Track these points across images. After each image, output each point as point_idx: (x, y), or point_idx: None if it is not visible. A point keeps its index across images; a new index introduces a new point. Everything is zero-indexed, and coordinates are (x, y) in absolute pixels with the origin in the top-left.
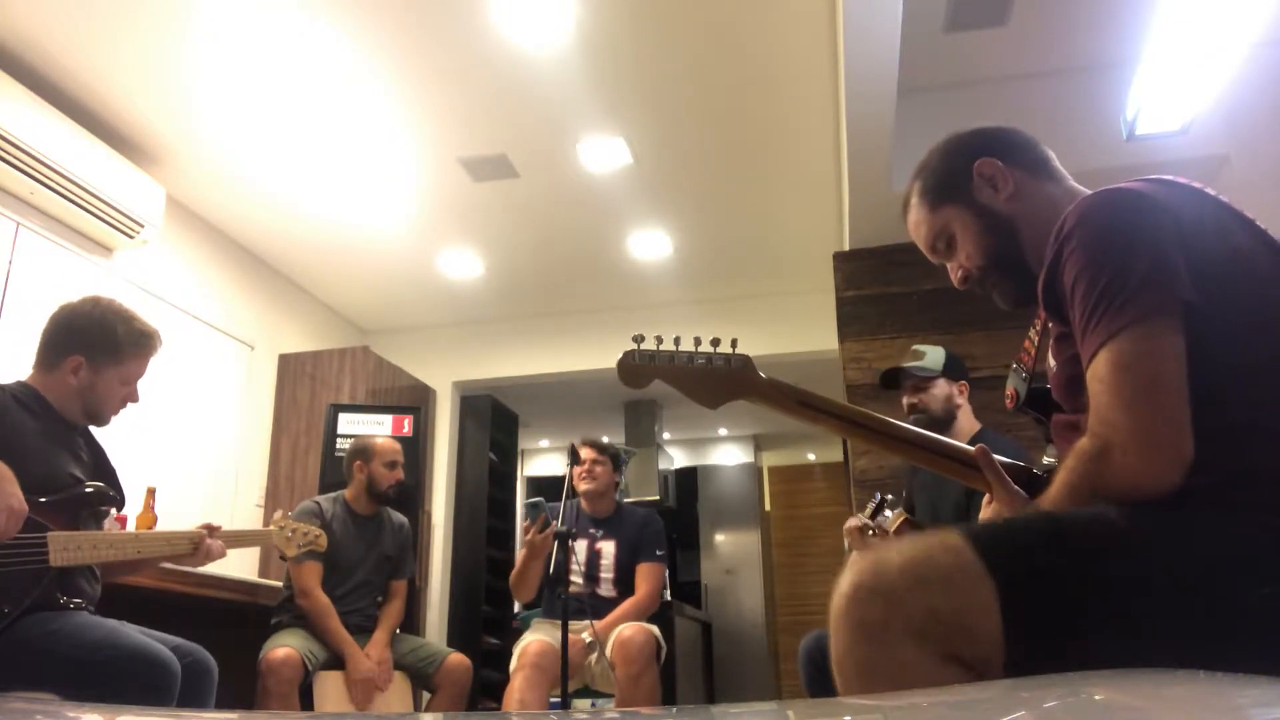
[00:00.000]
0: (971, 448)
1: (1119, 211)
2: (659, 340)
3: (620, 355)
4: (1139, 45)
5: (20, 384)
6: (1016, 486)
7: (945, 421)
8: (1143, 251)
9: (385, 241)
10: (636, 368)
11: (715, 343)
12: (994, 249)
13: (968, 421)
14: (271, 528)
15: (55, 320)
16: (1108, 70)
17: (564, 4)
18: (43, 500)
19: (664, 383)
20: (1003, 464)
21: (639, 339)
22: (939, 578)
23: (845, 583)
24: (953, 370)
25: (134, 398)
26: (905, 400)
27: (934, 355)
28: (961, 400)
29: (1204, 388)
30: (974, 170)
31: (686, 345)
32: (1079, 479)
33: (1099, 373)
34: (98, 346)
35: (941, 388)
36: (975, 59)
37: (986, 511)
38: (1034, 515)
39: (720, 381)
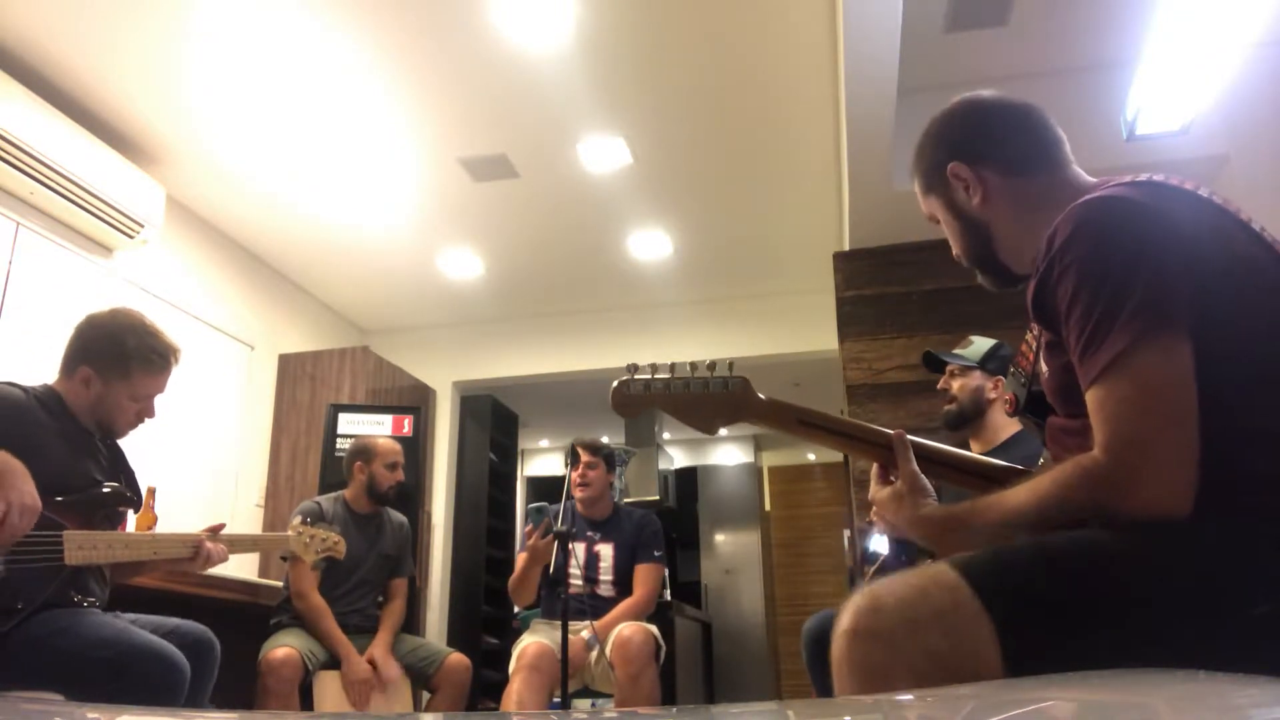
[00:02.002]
0: (983, 459)
1: (1116, 225)
2: (653, 369)
3: (614, 385)
4: (1139, 45)
5: (44, 386)
6: (926, 483)
7: (972, 414)
8: (1143, 268)
9: (385, 241)
10: (631, 398)
11: (712, 366)
12: (968, 247)
13: (1002, 420)
14: (290, 533)
15: (75, 329)
16: (1108, 70)
17: (564, 4)
18: (59, 499)
19: (661, 411)
20: (989, 463)
21: (633, 368)
22: (935, 617)
23: (845, 623)
24: (992, 364)
25: (149, 413)
26: (939, 385)
27: (978, 346)
28: (994, 395)
29: (1204, 397)
30: (947, 173)
31: (682, 369)
32: (1082, 496)
33: (1118, 390)
34: (106, 360)
35: (974, 379)
36: (975, 59)
37: (874, 488)
38: (1025, 545)
39: (718, 406)
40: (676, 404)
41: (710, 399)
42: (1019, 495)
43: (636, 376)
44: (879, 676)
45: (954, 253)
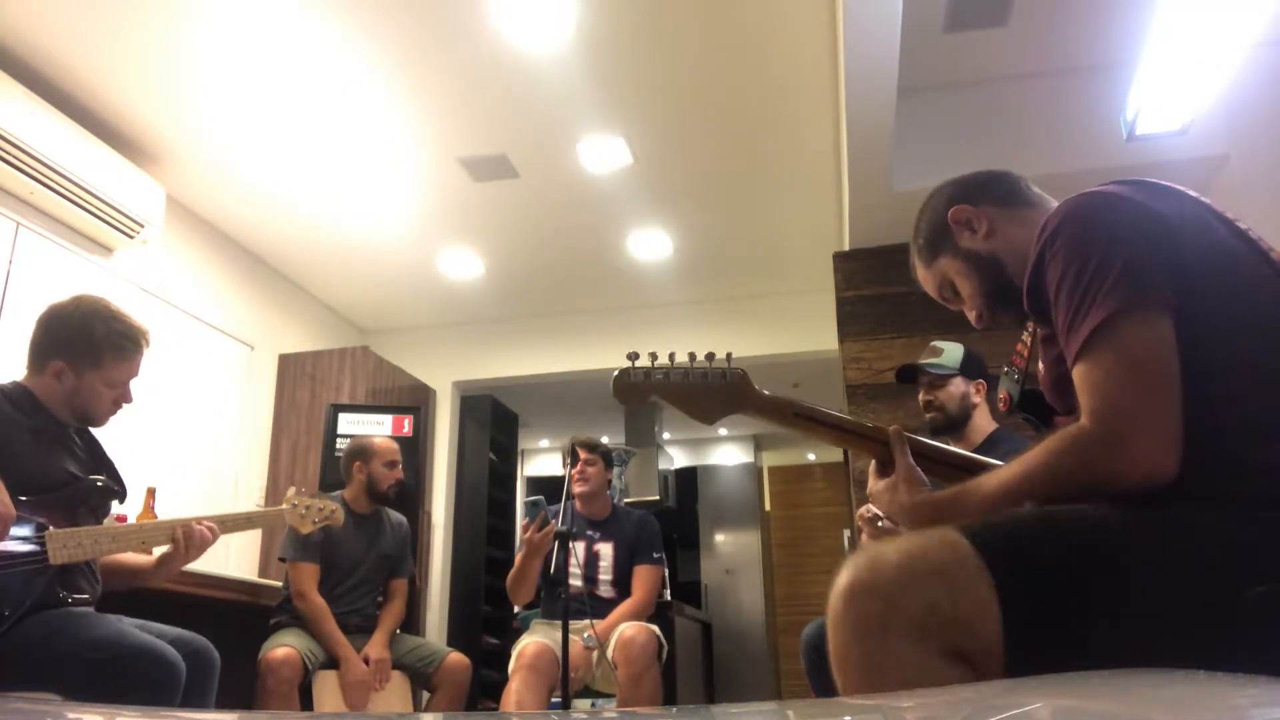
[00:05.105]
0: (978, 456)
1: (1100, 211)
2: (653, 357)
3: (616, 373)
4: (1139, 45)
5: (14, 384)
6: (922, 474)
7: (960, 421)
8: (1123, 246)
9: (385, 241)
10: (632, 386)
11: (710, 357)
12: (986, 286)
13: (984, 421)
14: (284, 506)
15: (39, 322)
16: (1108, 70)
17: (564, 4)
18: (35, 499)
19: (660, 399)
20: (986, 461)
21: (634, 356)
22: (937, 574)
23: (842, 581)
24: (970, 368)
25: (126, 399)
26: (921, 397)
27: (951, 352)
28: (978, 399)
29: (1193, 384)
30: (949, 220)
31: (682, 359)
32: (1071, 462)
33: (1102, 360)
34: (77, 350)
35: (958, 386)
36: (975, 59)
37: (872, 482)
38: (1029, 512)
39: (717, 397)
40: (676, 393)
41: (709, 389)
42: (1010, 470)
43: (637, 365)
44: (876, 629)
45: (972, 315)
